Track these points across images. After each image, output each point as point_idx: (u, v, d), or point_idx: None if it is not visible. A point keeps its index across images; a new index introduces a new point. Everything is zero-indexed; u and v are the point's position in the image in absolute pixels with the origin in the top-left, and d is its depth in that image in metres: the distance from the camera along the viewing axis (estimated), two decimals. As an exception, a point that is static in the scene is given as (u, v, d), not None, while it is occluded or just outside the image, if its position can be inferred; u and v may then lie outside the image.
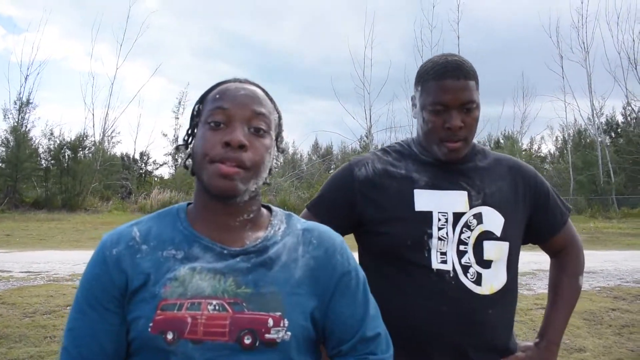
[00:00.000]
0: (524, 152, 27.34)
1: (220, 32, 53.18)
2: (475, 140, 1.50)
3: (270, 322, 0.96)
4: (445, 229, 1.38)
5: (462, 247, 1.39)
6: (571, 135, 29.39)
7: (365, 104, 27.76)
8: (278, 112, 1.12)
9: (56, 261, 8.85)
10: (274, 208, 1.15)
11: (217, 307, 0.96)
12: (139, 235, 1.03)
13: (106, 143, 26.80)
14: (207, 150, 1.00)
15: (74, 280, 7.10)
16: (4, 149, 23.30)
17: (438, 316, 1.35)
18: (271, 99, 1.11)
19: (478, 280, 1.37)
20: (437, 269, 1.36)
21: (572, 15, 41.91)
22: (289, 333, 0.97)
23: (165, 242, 1.02)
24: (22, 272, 7.77)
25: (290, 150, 40.75)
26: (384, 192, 1.44)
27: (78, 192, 22.08)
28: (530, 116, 30.58)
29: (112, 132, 27.21)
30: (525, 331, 4.81)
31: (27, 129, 24.01)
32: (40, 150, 23.77)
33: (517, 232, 1.47)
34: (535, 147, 32.08)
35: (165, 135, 30.89)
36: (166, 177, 29.39)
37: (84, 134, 24.37)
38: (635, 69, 25.57)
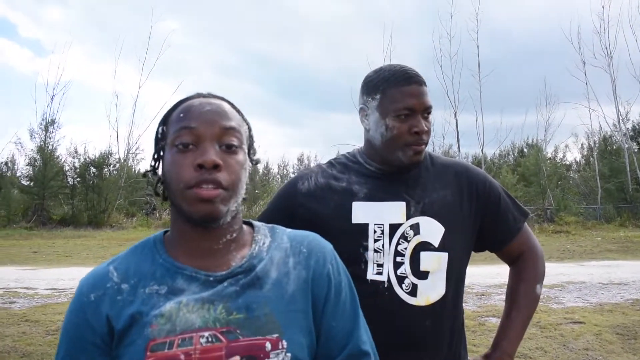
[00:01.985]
0: (548, 161, 26.86)
1: (240, 49, 53.72)
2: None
3: (268, 346, 0.91)
4: (381, 241, 1.39)
5: (398, 259, 1.39)
6: (597, 142, 28.86)
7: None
8: (247, 124, 1.07)
9: (80, 278, 8.90)
10: (255, 223, 1.10)
11: (210, 339, 0.90)
12: (117, 275, 0.96)
13: (130, 160, 27.19)
14: (181, 176, 0.92)
15: (98, 298, 7.13)
16: (31, 168, 23.78)
17: (372, 327, 1.29)
18: (238, 111, 1.05)
19: (413, 292, 1.37)
20: (372, 280, 1.37)
21: (594, 21, 41.22)
22: (289, 354, 0.92)
23: (146, 278, 0.95)
24: (46, 289, 7.85)
25: (312, 164, 40.76)
26: (324, 205, 1.44)
27: (103, 208, 22.42)
28: (554, 124, 30.09)
29: (136, 149, 27.58)
30: (555, 347, 4.66)
31: (53, 148, 24.48)
32: (66, 168, 24.22)
33: (461, 241, 1.45)
34: (560, 155, 31.50)
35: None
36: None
37: (108, 151, 24.82)
38: (662, 73, 25.03)
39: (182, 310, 0.91)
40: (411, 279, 1.37)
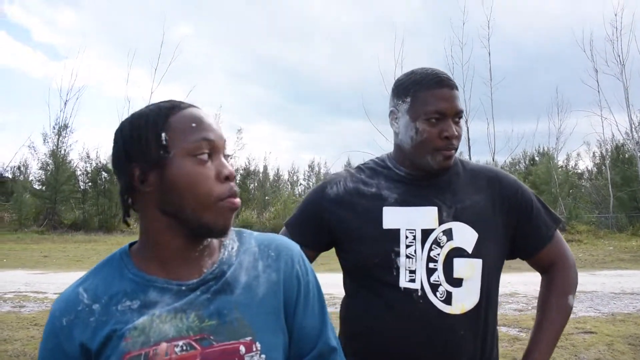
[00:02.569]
0: (560, 169, 26.69)
1: (252, 55, 54.01)
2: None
3: (242, 349, 0.92)
4: (413, 246, 1.35)
5: (431, 265, 1.35)
6: (609, 150, 28.64)
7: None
8: None
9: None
10: None
11: (184, 348, 0.90)
12: (87, 296, 0.94)
13: (141, 165, 27.31)
14: (210, 188, 0.92)
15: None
16: (43, 172, 24.00)
17: (405, 336, 1.32)
18: None
19: (448, 299, 1.33)
20: (405, 288, 1.33)
21: (606, 29, 40.95)
22: (263, 356, 0.94)
23: (117, 295, 0.94)
24: (56, 294, 7.88)
25: (323, 171, 40.88)
26: (353, 211, 1.42)
27: (114, 213, 22.55)
28: (566, 132, 29.67)
29: (147, 154, 27.70)
30: (567, 357, 4.61)
31: (65, 153, 24.72)
32: (78, 172, 24.42)
33: (495, 248, 1.41)
34: (572, 163, 31.32)
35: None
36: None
37: (119, 156, 24.93)
38: (675, 81, 24.82)
39: (155, 321, 0.91)
40: (445, 286, 1.33)
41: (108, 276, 0.97)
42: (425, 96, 1.37)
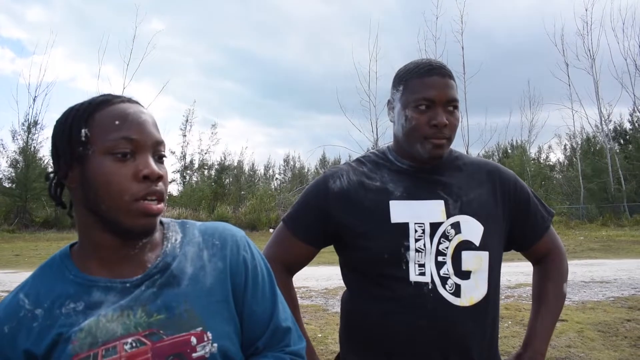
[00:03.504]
0: (532, 161, 27.14)
1: (225, 50, 53.68)
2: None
3: (194, 340, 0.92)
4: (422, 240, 1.34)
5: (440, 258, 1.34)
6: (580, 143, 29.22)
7: (372, 117, 27.75)
8: None
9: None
10: (164, 220, 1.06)
11: (133, 344, 0.89)
12: (29, 302, 0.92)
13: (114, 161, 26.92)
14: (125, 187, 0.89)
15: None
16: (13, 170, 23.49)
17: (417, 329, 1.31)
18: None
19: (457, 292, 1.33)
20: (415, 282, 1.32)
21: (577, 23, 41.85)
22: (215, 345, 0.94)
23: (59, 298, 0.92)
24: (29, 293, 7.73)
25: (297, 165, 40.79)
26: (360, 205, 1.39)
27: (87, 211, 22.16)
28: (538, 125, 30.41)
29: (120, 151, 27.32)
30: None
31: (35, 150, 24.21)
32: (50, 169, 23.94)
33: (498, 240, 1.42)
34: (543, 155, 31.88)
35: (173, 152, 30.79)
36: (175, 194, 29.43)
37: (92, 153, 24.51)
38: (643, 74, 25.40)
39: (102, 321, 0.90)
40: (454, 279, 1.33)
41: (49, 280, 0.95)
42: (415, 84, 1.37)
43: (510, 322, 5.48)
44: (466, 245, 1.36)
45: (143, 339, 0.90)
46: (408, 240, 1.34)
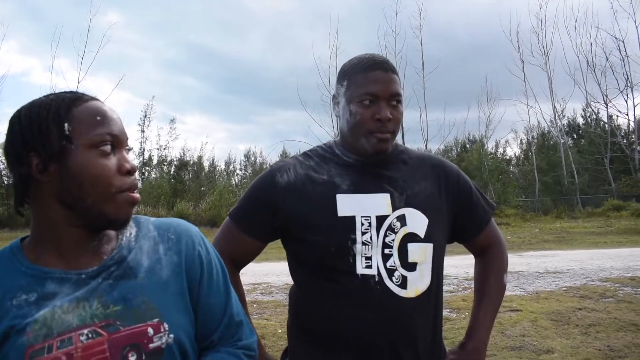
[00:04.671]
0: (490, 156, 27.72)
1: (185, 45, 52.95)
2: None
3: (150, 330, 0.94)
4: (369, 233, 1.35)
5: (387, 251, 1.35)
6: (535, 137, 30.02)
7: (332, 112, 27.73)
8: None
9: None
10: None
11: (89, 335, 0.90)
12: None
13: (69, 157, 26.23)
14: (111, 180, 0.94)
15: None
16: (-39, 167, 22.63)
17: (365, 322, 1.32)
18: None
19: (403, 284, 1.34)
20: (362, 274, 1.33)
21: (532, 20, 42.97)
22: (171, 335, 0.96)
23: (10, 290, 0.91)
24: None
25: (259, 160, 40.60)
26: (306, 198, 1.39)
27: (41, 208, 21.55)
28: (495, 120, 30.92)
29: (75, 146, 26.64)
30: (493, 334, 4.80)
31: (-14, 145, 23.34)
32: (1, 167, 23.14)
33: (442, 232, 1.45)
34: (500, 150, 32.67)
35: (131, 149, 30.27)
36: (133, 190, 28.77)
37: (46, 148, 23.79)
38: (594, 71, 26.30)
39: (57, 312, 0.90)
40: (401, 271, 1.34)
41: None
42: (359, 79, 1.37)
43: (467, 314, 5.58)
44: (411, 237, 1.37)
45: (99, 330, 0.90)
46: (355, 234, 1.34)
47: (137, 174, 1.00)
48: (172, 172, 29.32)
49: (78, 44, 38.84)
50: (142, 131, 30.80)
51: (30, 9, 42.43)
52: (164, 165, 30.36)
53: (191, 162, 31.30)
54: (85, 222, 0.95)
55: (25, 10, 42.58)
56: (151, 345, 0.93)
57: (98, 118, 0.95)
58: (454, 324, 5.21)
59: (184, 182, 28.65)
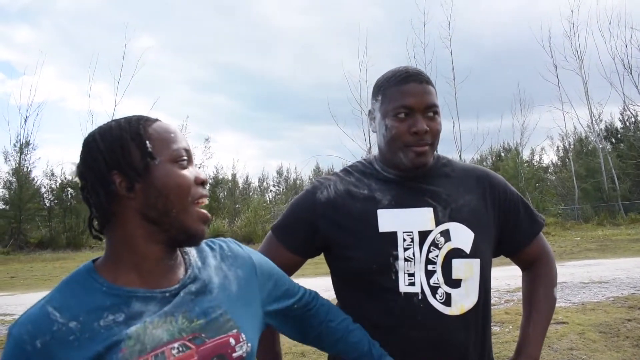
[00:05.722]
0: (526, 164, 27.22)
1: (216, 65, 53.75)
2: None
3: (232, 341, 1.00)
4: (411, 249, 1.33)
5: (430, 267, 1.33)
6: (572, 143, 29.36)
7: (364, 126, 27.74)
8: None
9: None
10: None
11: (180, 349, 0.94)
12: (60, 315, 0.91)
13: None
14: (191, 190, 1.00)
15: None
16: (6, 191, 23.37)
17: (408, 341, 1.30)
18: None
19: (447, 301, 1.32)
20: (405, 292, 1.31)
21: (564, 24, 42.15)
22: (249, 344, 1.03)
23: (95, 310, 0.92)
24: (25, 316, 7.64)
25: (292, 176, 40.78)
26: (347, 214, 1.38)
27: (82, 230, 22.05)
28: (530, 127, 30.34)
29: (113, 168, 27.21)
30: (540, 348, 4.68)
31: (28, 170, 24.11)
32: (43, 190, 23.84)
33: (488, 246, 1.41)
34: (536, 157, 31.98)
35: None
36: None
37: (85, 171, 24.36)
38: (631, 73, 25.59)
39: (148, 328, 0.93)
40: (444, 288, 1.31)
41: (77, 293, 0.94)
42: (393, 92, 1.36)
43: (511, 327, 5.45)
44: (456, 253, 1.34)
45: (188, 343, 0.95)
46: (397, 250, 1.32)
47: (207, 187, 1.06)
48: (208, 190, 29.59)
49: (114, 68, 39.93)
50: (177, 151, 31.27)
51: (67, 37, 43.85)
52: (199, 183, 30.75)
53: (225, 180, 31.62)
54: (168, 236, 0.99)
55: (63, 38, 44.05)
56: (234, 355, 0.99)
57: (172, 135, 1.02)
58: (498, 338, 5.09)
59: (219, 200, 28.96)
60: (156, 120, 1.04)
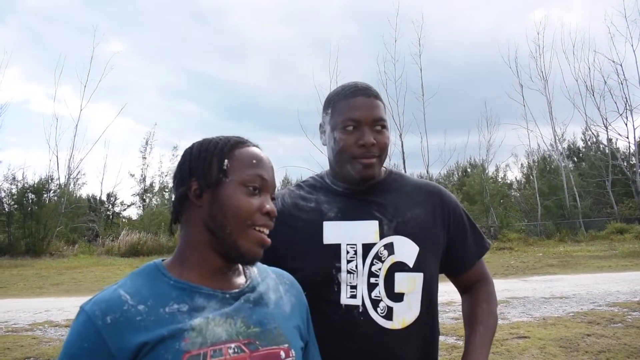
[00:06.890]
0: (491, 180, 27.70)
1: (187, 72, 53.20)
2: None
3: (282, 354, 1.04)
4: (354, 262, 1.34)
5: (372, 280, 1.33)
6: (536, 161, 30.02)
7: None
8: None
9: (16, 310, 8.47)
10: None
11: (236, 350, 0.99)
12: (130, 298, 0.99)
13: (72, 185, 26.19)
14: (250, 216, 1.05)
15: (34, 330, 6.78)
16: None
17: (348, 354, 1.31)
18: None
19: (389, 315, 1.32)
20: (346, 305, 1.32)
21: (530, 46, 43.46)
22: None
23: (163, 298, 1.00)
24: (-21, 324, 7.39)
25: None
26: (294, 227, 1.40)
27: (42, 236, 21.44)
28: (495, 144, 31.12)
29: (77, 174, 26.64)
30: (502, 362, 4.73)
31: (-11, 173, 23.33)
32: (2, 194, 23.12)
33: (434, 261, 1.41)
34: (501, 174, 32.60)
35: (132, 175, 29.95)
36: (134, 217, 28.79)
37: (48, 176, 23.80)
38: (593, 95, 26.39)
39: (210, 324, 0.99)
40: (386, 301, 1.32)
41: (147, 282, 1.03)
42: (342, 105, 1.38)
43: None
44: (399, 266, 1.34)
45: (243, 347, 1.00)
46: (340, 262, 1.33)
47: (274, 220, 1.09)
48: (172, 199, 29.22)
49: (81, 71, 39.31)
50: (144, 158, 30.80)
51: (34, 36, 42.82)
52: (165, 191, 30.28)
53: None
54: (222, 249, 1.05)
55: (29, 38, 43.01)
56: None
57: (254, 161, 1.09)
58: (461, 352, 5.13)
59: (185, 209, 28.51)
60: (252, 145, 1.12)
